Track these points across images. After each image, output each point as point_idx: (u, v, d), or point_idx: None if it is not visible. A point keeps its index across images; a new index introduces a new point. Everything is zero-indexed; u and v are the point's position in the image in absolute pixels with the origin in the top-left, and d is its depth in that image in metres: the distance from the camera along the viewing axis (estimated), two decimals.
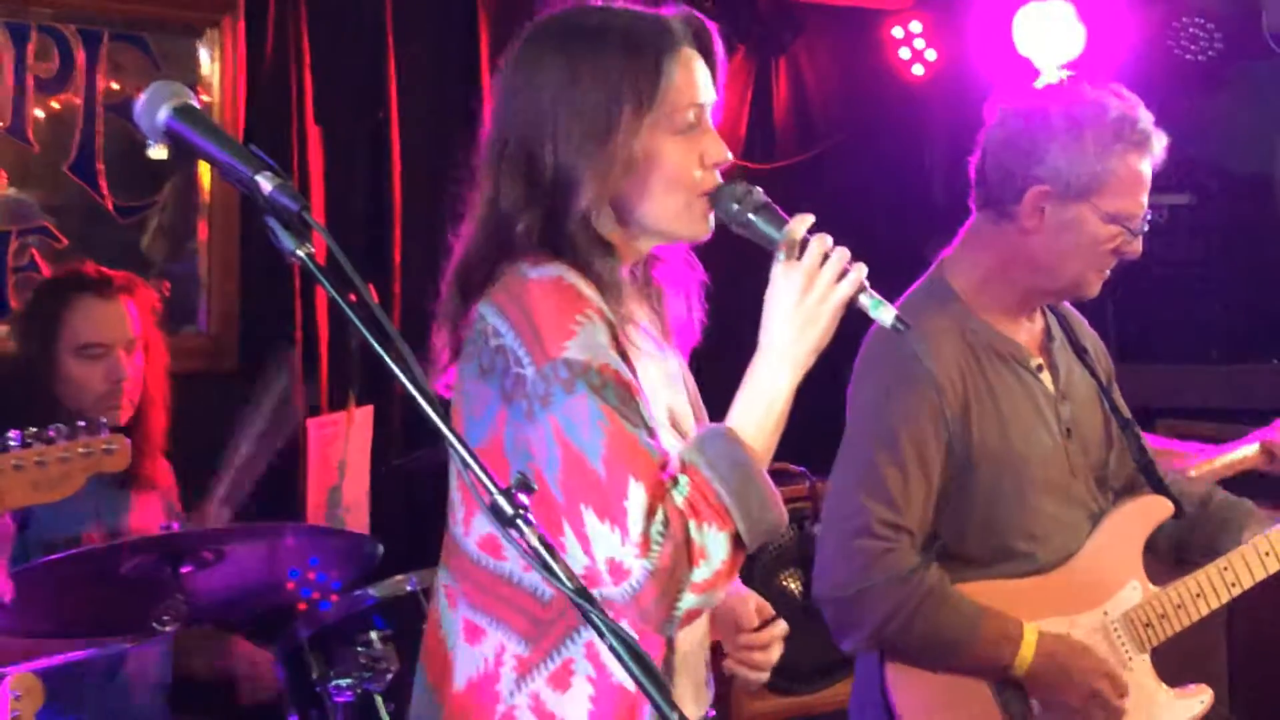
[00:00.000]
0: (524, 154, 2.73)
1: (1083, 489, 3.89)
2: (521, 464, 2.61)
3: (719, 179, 2.77)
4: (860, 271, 2.64)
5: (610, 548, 2.49)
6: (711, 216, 2.77)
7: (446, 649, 2.79)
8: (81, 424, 3.53)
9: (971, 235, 3.89)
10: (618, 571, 2.48)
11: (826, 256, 2.64)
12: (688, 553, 2.49)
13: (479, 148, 2.84)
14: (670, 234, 2.81)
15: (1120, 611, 3.84)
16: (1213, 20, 6.79)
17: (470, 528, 2.77)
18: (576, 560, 2.53)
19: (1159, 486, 4.01)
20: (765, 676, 2.98)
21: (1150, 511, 3.97)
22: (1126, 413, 4.04)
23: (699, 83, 2.76)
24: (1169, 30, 6.86)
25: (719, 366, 3.11)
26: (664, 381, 2.84)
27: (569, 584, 2.15)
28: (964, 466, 3.71)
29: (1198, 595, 3.90)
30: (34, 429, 3.42)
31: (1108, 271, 3.81)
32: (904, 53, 7.63)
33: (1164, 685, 3.89)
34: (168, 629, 3.98)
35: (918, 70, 7.64)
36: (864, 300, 2.64)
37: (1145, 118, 3.75)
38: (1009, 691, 3.71)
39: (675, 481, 2.54)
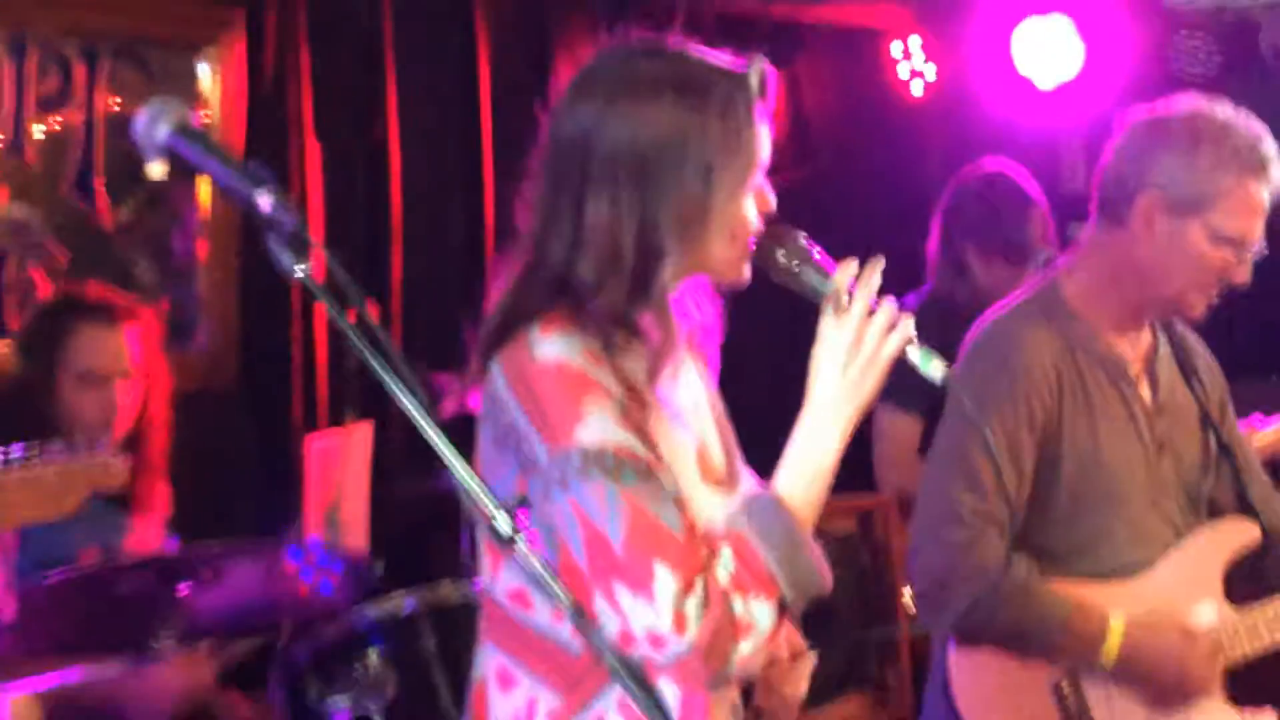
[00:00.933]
0: (606, 224, 2.63)
1: (1171, 504, 3.89)
2: (545, 534, 2.58)
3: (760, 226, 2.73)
4: (908, 325, 2.63)
5: (647, 619, 2.46)
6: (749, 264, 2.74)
7: (484, 691, 2.77)
8: (81, 441, 3.52)
9: (1087, 244, 3.92)
10: (658, 642, 2.47)
11: (874, 309, 2.63)
12: (731, 628, 2.49)
13: (535, 180, 2.73)
14: (716, 278, 2.79)
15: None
16: (1211, 37, 6.80)
17: (499, 578, 2.74)
18: (612, 627, 2.50)
19: (1249, 511, 4.01)
20: (794, 714, 2.97)
21: (1236, 534, 3.96)
22: (1233, 439, 4.05)
23: (763, 139, 2.72)
24: (1167, 47, 6.87)
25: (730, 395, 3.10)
26: (688, 415, 2.81)
27: (565, 600, 2.15)
28: (1052, 462, 3.75)
29: (1274, 618, 3.89)
30: (35, 445, 3.41)
31: (1214, 294, 3.81)
32: (903, 71, 7.63)
33: (1231, 706, 3.87)
34: (166, 649, 3.96)
35: (917, 88, 7.64)
36: (912, 353, 2.63)
37: (1270, 146, 3.75)
38: (1066, 685, 3.73)
39: (717, 554, 2.52)
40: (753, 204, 2.70)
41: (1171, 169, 3.70)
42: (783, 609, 2.55)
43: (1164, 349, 3.99)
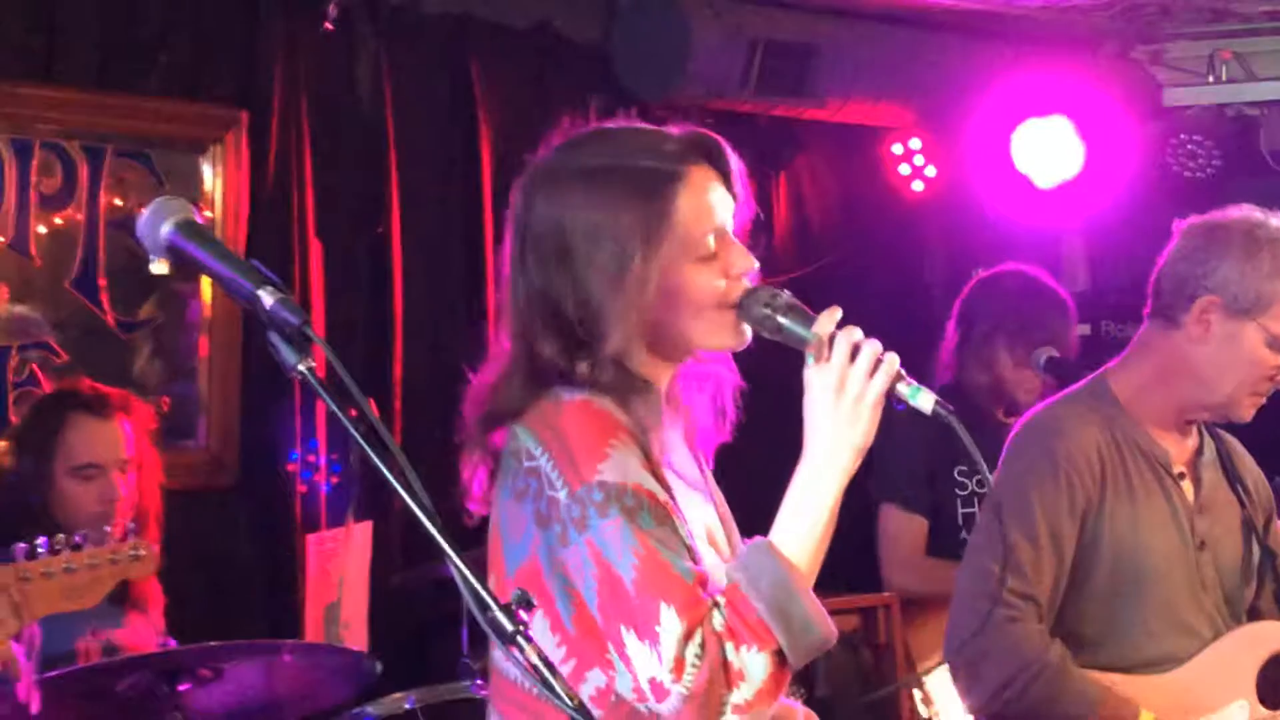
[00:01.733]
0: (549, 303, 2.71)
1: (1210, 604, 3.90)
2: (559, 587, 2.60)
3: (746, 285, 2.75)
4: (893, 361, 2.62)
5: (650, 668, 2.48)
6: (746, 326, 2.75)
7: None
8: (108, 529, 3.52)
9: (1139, 344, 3.97)
10: (659, 691, 2.49)
11: (857, 350, 2.62)
12: (725, 676, 2.49)
13: (500, 284, 2.82)
14: (704, 347, 2.79)
15: None
16: (1211, 138, 6.83)
17: None
18: (624, 680, 2.53)
19: None
20: None
21: (1275, 635, 3.96)
22: (1277, 548, 4.06)
23: (714, 204, 2.76)
24: (1167, 148, 6.89)
25: (744, 469, 3.09)
26: (696, 498, 2.82)
27: (568, 701, 2.13)
28: (1091, 547, 3.77)
29: None
30: (61, 535, 3.40)
31: (1263, 399, 3.87)
32: (904, 169, 7.65)
33: None
34: None
35: (917, 187, 7.66)
36: (902, 389, 2.62)
37: None
38: None
39: (716, 603, 2.53)
40: (713, 272, 2.73)
41: (1229, 272, 3.77)
42: (782, 661, 2.53)
43: (1209, 453, 4.02)
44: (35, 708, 3.74)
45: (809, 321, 2.68)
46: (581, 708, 2.15)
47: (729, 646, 2.49)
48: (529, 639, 2.13)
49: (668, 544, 2.53)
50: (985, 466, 2.64)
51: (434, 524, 2.14)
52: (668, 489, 2.63)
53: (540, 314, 2.71)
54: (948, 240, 7.88)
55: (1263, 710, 3.87)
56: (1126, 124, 7.07)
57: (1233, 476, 4.04)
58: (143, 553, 3.51)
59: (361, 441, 2.15)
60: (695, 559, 2.58)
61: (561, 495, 2.57)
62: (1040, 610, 3.71)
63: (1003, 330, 5.62)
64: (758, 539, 2.64)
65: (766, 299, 2.73)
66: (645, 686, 2.49)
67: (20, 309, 5.46)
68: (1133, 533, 3.80)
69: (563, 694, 2.13)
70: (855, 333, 2.65)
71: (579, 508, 2.55)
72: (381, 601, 5.51)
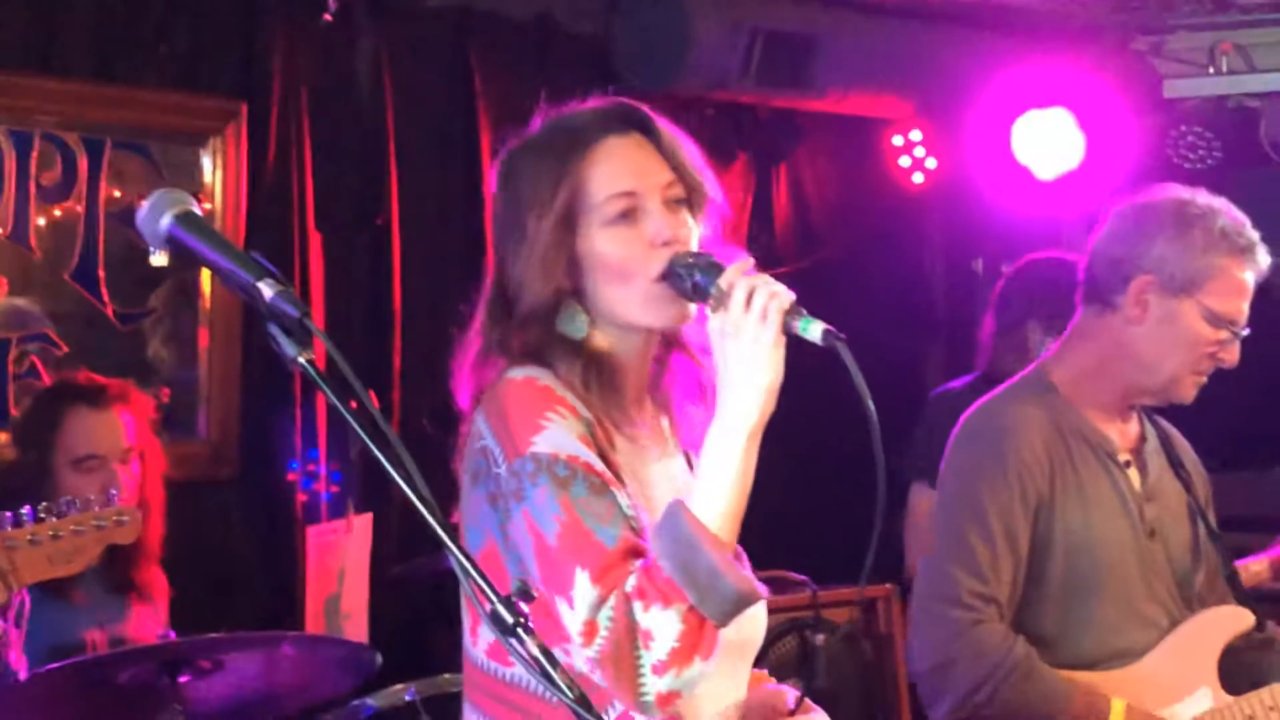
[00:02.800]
0: (496, 269, 2.83)
1: (1163, 591, 3.89)
2: (513, 564, 2.63)
3: (670, 256, 2.72)
4: (785, 298, 2.58)
5: (571, 632, 2.51)
6: (690, 304, 2.73)
7: None
8: (92, 497, 3.52)
9: (1075, 331, 3.96)
10: (577, 654, 2.52)
11: (752, 294, 2.59)
12: (636, 637, 2.49)
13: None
14: (643, 325, 2.78)
15: (1188, 715, 3.82)
16: (1211, 129, 6.83)
17: (478, 636, 2.77)
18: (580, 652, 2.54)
19: (1244, 599, 4.02)
20: None
21: (1231, 620, 3.96)
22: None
23: (625, 170, 2.75)
24: (1168, 139, 6.89)
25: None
26: (668, 485, 2.82)
27: (569, 694, 2.13)
28: (1045, 544, 3.76)
29: (1271, 708, 3.87)
30: (45, 503, 3.41)
31: (1204, 378, 3.86)
32: (904, 161, 7.66)
33: None
34: None
35: (918, 178, 7.67)
36: (794, 323, 2.57)
37: (1252, 232, 3.83)
38: None
39: (636, 566, 2.53)
40: (629, 239, 2.72)
41: (1163, 251, 3.78)
42: (697, 618, 2.50)
43: (1152, 439, 4.02)
44: (24, 675, 3.74)
45: (715, 273, 2.65)
46: (583, 699, 2.14)
47: (638, 606, 2.49)
48: (529, 631, 2.13)
49: (597, 513, 2.55)
50: (870, 400, 2.57)
51: (434, 515, 2.14)
52: (616, 470, 2.65)
53: (494, 288, 2.83)
54: (948, 232, 7.89)
55: (1225, 696, 3.87)
56: (1127, 116, 7.07)
57: (1175, 461, 4.03)
58: (126, 517, 3.52)
59: (361, 433, 2.15)
60: (638, 531, 2.59)
61: (502, 470, 2.62)
62: (1002, 610, 3.70)
63: (1035, 316, 5.61)
64: (673, 499, 2.62)
65: (688, 260, 2.69)
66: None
67: (19, 301, 5.46)
68: (1085, 526, 3.79)
69: (564, 686, 2.13)
70: (755, 278, 2.61)
71: (515, 480, 2.59)
72: (382, 593, 5.52)
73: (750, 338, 2.57)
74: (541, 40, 6.59)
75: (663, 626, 2.49)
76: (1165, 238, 3.78)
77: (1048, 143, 7.15)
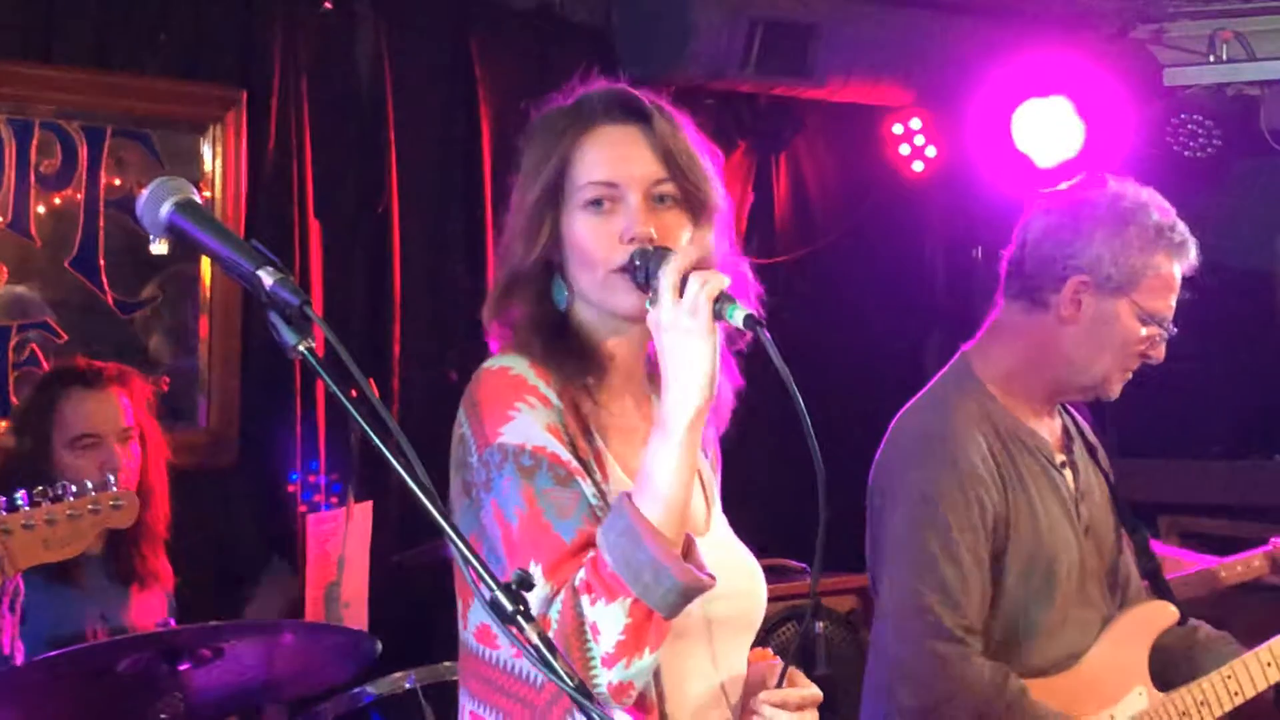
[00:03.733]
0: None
1: (1096, 590, 3.87)
2: (489, 552, 2.65)
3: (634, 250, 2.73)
4: (716, 285, 2.56)
5: None
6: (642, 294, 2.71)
7: None
8: (90, 482, 3.52)
9: (999, 326, 3.89)
10: None
11: (684, 284, 2.58)
12: (585, 630, 2.50)
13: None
14: (604, 308, 2.79)
15: (1126, 717, 3.82)
16: (1211, 118, 6.82)
17: (467, 620, 2.79)
18: None
19: (1164, 592, 4.00)
20: None
21: (1156, 617, 3.94)
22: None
23: (609, 159, 2.76)
24: (1168, 128, 6.89)
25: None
26: None
27: (568, 681, 2.13)
28: (1001, 558, 3.71)
29: (1202, 703, 3.87)
30: (41, 487, 3.41)
31: (1130, 374, 3.83)
32: (904, 149, 7.65)
33: None
34: None
35: (918, 167, 7.66)
36: (722, 310, 2.56)
37: (1181, 225, 3.79)
38: None
39: (587, 561, 2.55)
40: (600, 228, 2.73)
41: (1099, 250, 3.73)
42: (642, 611, 2.50)
43: (1074, 431, 3.99)
44: (19, 660, 3.75)
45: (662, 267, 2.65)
46: (582, 687, 2.15)
47: (585, 600, 2.50)
48: (530, 618, 2.13)
49: (559, 505, 2.57)
50: (794, 385, 2.55)
51: (434, 503, 2.15)
52: (586, 458, 2.66)
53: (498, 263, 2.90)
54: (948, 220, 7.88)
55: (1157, 694, 3.86)
56: (1127, 104, 7.06)
57: (1090, 449, 4.01)
58: (123, 502, 3.53)
59: (361, 421, 2.15)
60: (592, 518, 2.60)
61: (474, 460, 2.65)
62: (981, 641, 3.64)
63: None
64: (620, 493, 2.62)
65: (643, 255, 2.68)
66: None
67: (18, 290, 5.46)
68: (1035, 534, 3.73)
69: (563, 673, 2.13)
70: (686, 268, 2.59)
71: (484, 470, 2.63)
72: (382, 581, 5.52)
73: (683, 329, 2.57)
74: (541, 29, 6.59)
75: (608, 620, 2.50)
76: (1101, 236, 3.72)
77: (1048, 131, 7.14)
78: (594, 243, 2.74)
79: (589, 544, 2.56)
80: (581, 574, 2.52)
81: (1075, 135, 7.10)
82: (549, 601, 2.52)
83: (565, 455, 2.62)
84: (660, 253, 2.68)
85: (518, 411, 2.64)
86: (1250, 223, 7.10)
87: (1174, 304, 3.79)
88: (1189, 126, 6.83)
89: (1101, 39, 7.20)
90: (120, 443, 4.50)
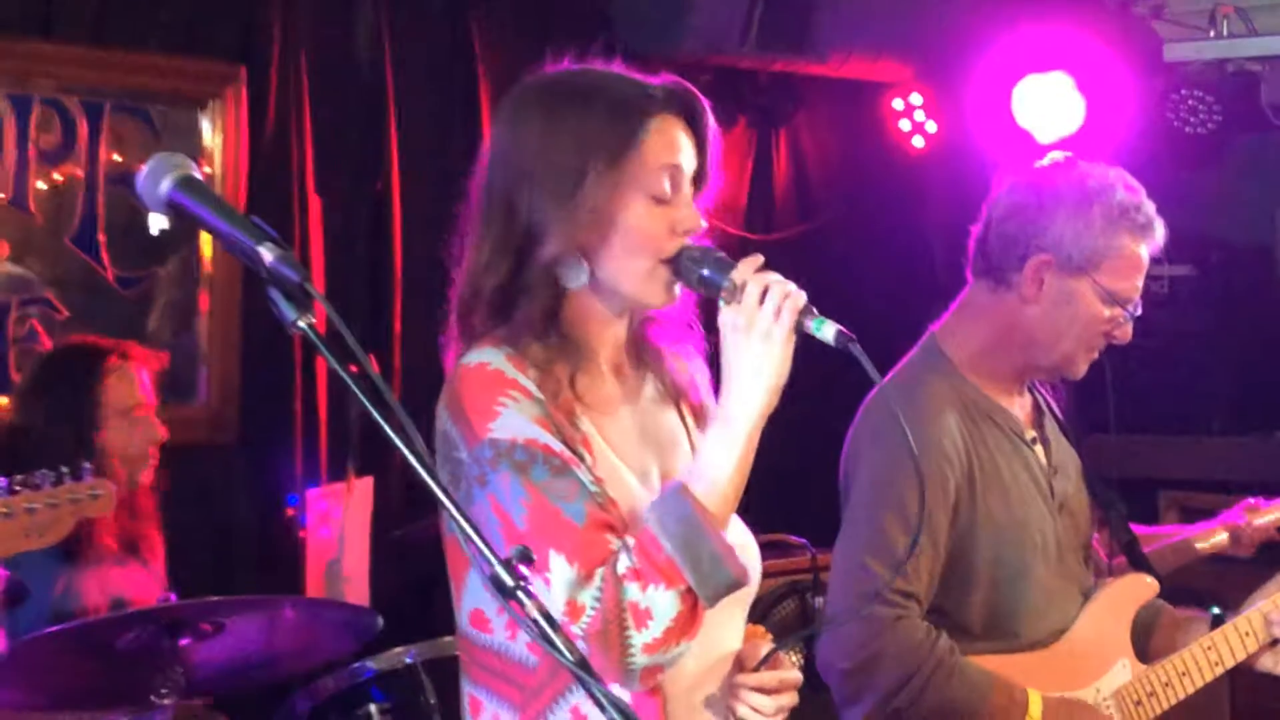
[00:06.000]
0: (505, 205, 2.77)
1: (1074, 563, 3.88)
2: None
3: (684, 244, 2.76)
4: (799, 298, 2.62)
5: (553, 611, 2.49)
6: (678, 286, 2.77)
7: None
8: (65, 470, 3.53)
9: (967, 305, 3.89)
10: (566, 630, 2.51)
11: (766, 290, 2.63)
12: (626, 616, 2.51)
13: (469, 199, 2.90)
14: (632, 298, 2.80)
15: (1111, 689, 3.82)
16: (1211, 93, 6.81)
17: (461, 604, 2.80)
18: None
19: (1142, 565, 4.01)
20: None
21: (1137, 589, 3.95)
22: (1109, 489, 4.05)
23: (677, 146, 2.77)
24: (1168, 103, 6.88)
25: None
26: (647, 441, 2.85)
27: (569, 656, 2.14)
28: (968, 534, 3.68)
29: (1183, 674, 3.89)
30: (20, 476, 3.42)
31: (1096, 354, 3.82)
32: (904, 125, 7.65)
33: None
34: (166, 702, 3.96)
35: (918, 142, 7.66)
36: (807, 323, 2.62)
37: (1149, 205, 3.76)
38: None
39: (626, 545, 2.56)
40: (658, 217, 2.73)
41: (1062, 230, 3.70)
42: (693, 600, 2.55)
43: (1044, 406, 3.98)
44: (2, 646, 3.75)
45: (728, 270, 2.69)
46: (583, 662, 2.15)
47: (633, 587, 2.51)
48: (529, 594, 2.14)
49: (561, 493, 2.58)
50: (924, 383, 2.55)
51: (434, 479, 2.15)
52: (575, 445, 2.66)
53: (493, 221, 2.79)
54: (948, 196, 7.86)
55: (1139, 665, 3.87)
56: (1127, 79, 7.06)
57: (1063, 426, 4.00)
58: (100, 492, 3.53)
59: (362, 397, 2.15)
60: (605, 506, 2.61)
61: (464, 455, 2.64)
62: (921, 606, 3.62)
63: None
64: (673, 481, 2.66)
65: (697, 254, 2.73)
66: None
67: (17, 265, 5.45)
68: (1006, 512, 3.72)
69: (563, 649, 2.14)
70: (768, 276, 2.65)
71: (476, 466, 2.62)
72: (383, 556, 5.53)
73: (762, 333, 2.61)
74: (541, 4, 6.59)
75: (662, 607, 2.53)
76: (1064, 216, 3.70)
77: (1048, 107, 7.14)
78: (652, 231, 2.73)
79: (602, 525, 2.57)
80: (625, 559, 2.53)
81: (1075, 111, 7.10)
82: (578, 585, 2.52)
83: (558, 446, 2.62)
84: (712, 253, 2.72)
85: (504, 407, 2.63)
86: (1250, 198, 7.11)
87: (1140, 285, 3.76)
88: (1189, 102, 6.83)
89: (1102, 14, 7.18)
90: (155, 414, 4.58)
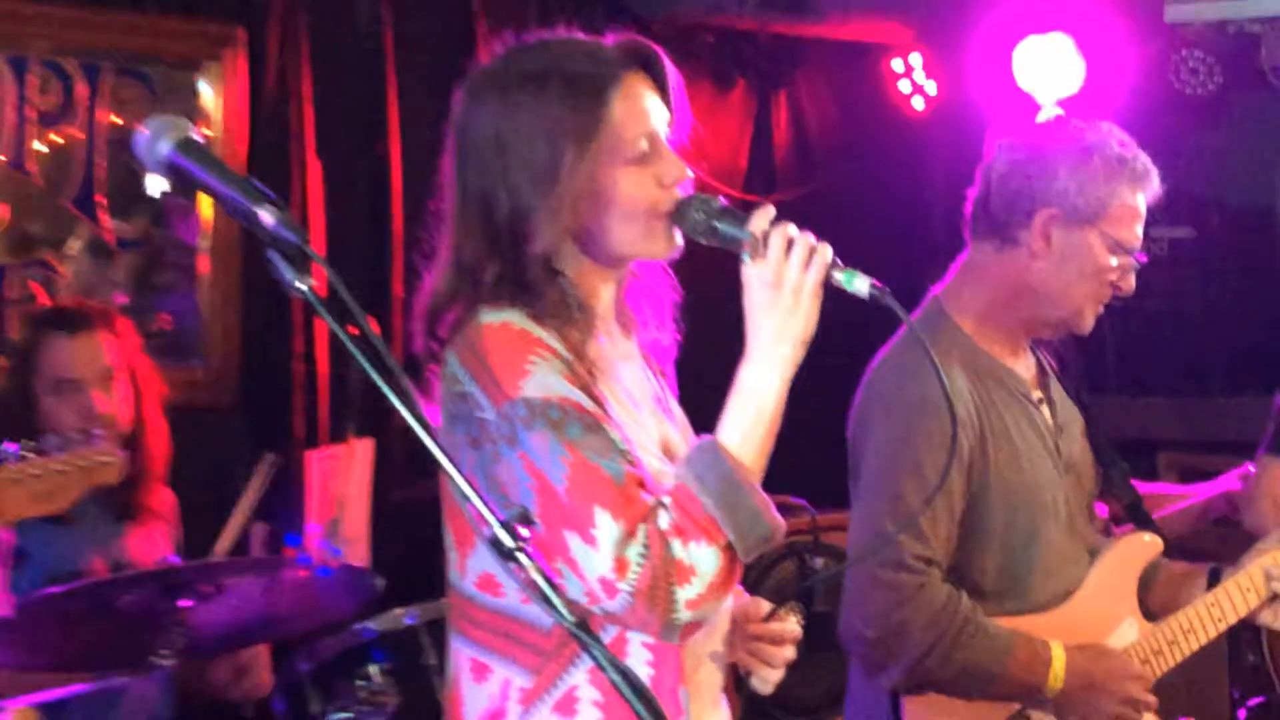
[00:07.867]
0: (479, 204, 2.76)
1: (1082, 523, 3.90)
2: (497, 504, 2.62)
3: (679, 195, 2.76)
4: (826, 251, 2.63)
5: (598, 568, 2.51)
6: (678, 233, 2.77)
7: (457, 687, 2.81)
8: (77, 436, 3.53)
9: (970, 267, 3.90)
10: (610, 589, 2.51)
11: (791, 243, 2.63)
12: (672, 572, 2.51)
13: (439, 191, 2.86)
14: (635, 257, 2.82)
15: (1120, 648, 3.84)
16: (1212, 54, 6.81)
17: (466, 569, 2.78)
18: (573, 584, 2.55)
19: (1146, 524, 4.03)
20: (778, 674, 2.95)
21: (1144, 549, 3.98)
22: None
23: (647, 109, 2.77)
24: (1168, 64, 6.87)
25: (708, 387, 3.10)
26: (644, 401, 2.87)
27: (568, 616, 2.15)
28: (981, 496, 3.70)
29: (1188, 631, 3.91)
30: (31, 442, 3.42)
31: (1102, 307, 3.83)
32: (904, 86, 7.64)
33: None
34: (166, 663, 3.96)
35: (918, 104, 7.65)
36: (837, 276, 2.63)
37: (1143, 155, 3.79)
38: None
39: (662, 503, 2.55)
40: (645, 178, 2.74)
41: (1066, 183, 3.72)
42: (732, 555, 2.56)
43: (1047, 366, 4.00)
44: (4, 610, 3.76)
45: (743, 222, 2.68)
46: (582, 624, 2.16)
47: (676, 544, 2.52)
48: (530, 555, 2.14)
49: (597, 450, 2.56)
50: (930, 347, 2.58)
51: (435, 440, 2.15)
52: (601, 403, 2.66)
53: (471, 222, 2.77)
54: (948, 157, 7.85)
55: (1146, 624, 3.91)
56: (1128, 41, 7.05)
57: (1066, 385, 4.02)
58: (109, 459, 3.53)
59: (362, 359, 2.16)
60: (634, 463, 2.60)
61: (490, 415, 2.61)
62: (942, 570, 3.65)
63: None
64: (704, 437, 2.66)
65: (701, 205, 2.73)
66: (596, 587, 2.52)
67: (18, 227, 5.45)
68: (1018, 473, 3.74)
69: (563, 610, 2.14)
70: (789, 228, 2.66)
71: (507, 425, 2.59)
72: (383, 518, 5.53)
73: (791, 287, 2.62)
74: None
75: (705, 562, 2.53)
76: (1066, 168, 3.72)
77: (1048, 68, 7.13)
78: (644, 193, 2.74)
79: (637, 483, 2.57)
80: (670, 516, 2.54)
81: (1076, 72, 7.09)
82: (624, 542, 2.51)
83: (588, 404, 2.61)
84: (716, 203, 2.72)
85: (534, 365, 2.61)
86: (1250, 160, 7.10)
87: (1140, 233, 3.79)
88: (1189, 63, 6.82)
89: None
90: (102, 388, 4.45)
